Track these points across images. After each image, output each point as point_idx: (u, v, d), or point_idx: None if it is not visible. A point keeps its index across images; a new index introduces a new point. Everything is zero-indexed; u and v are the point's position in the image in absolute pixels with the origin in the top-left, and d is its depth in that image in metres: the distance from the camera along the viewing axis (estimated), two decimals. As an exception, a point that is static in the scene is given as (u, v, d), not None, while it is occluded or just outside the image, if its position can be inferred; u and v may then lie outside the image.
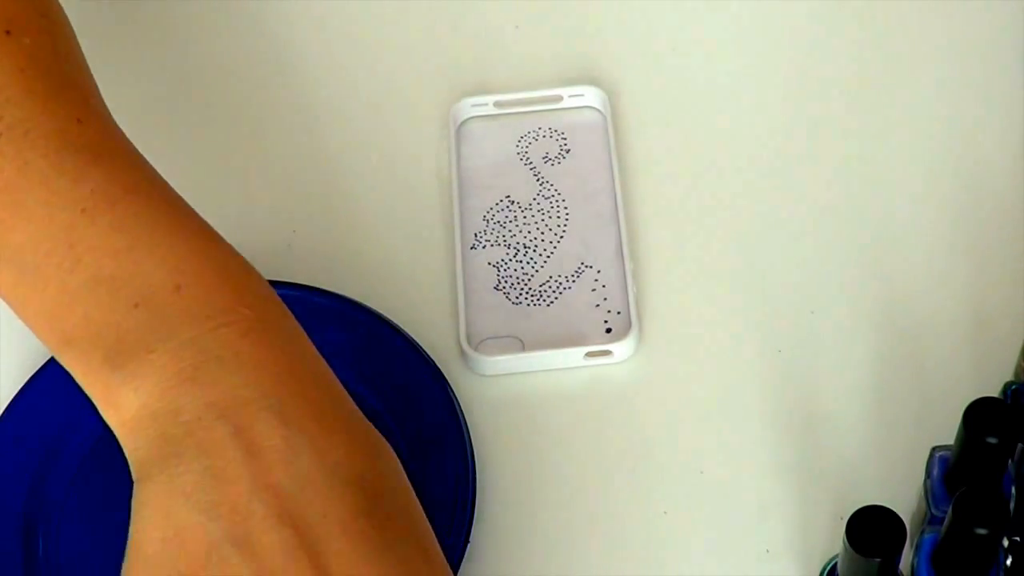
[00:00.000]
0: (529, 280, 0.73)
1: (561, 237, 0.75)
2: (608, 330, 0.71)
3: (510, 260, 0.74)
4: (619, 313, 0.72)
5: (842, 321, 0.72)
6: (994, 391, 0.62)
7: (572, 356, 0.71)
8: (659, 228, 0.75)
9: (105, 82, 0.81)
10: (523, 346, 0.71)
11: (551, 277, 0.73)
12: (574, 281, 0.73)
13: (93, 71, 0.82)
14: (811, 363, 0.71)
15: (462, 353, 0.71)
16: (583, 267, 0.74)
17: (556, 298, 0.73)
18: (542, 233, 0.75)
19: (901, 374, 0.70)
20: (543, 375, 0.71)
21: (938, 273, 0.73)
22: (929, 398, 0.69)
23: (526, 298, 0.73)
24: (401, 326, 0.71)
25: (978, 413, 0.55)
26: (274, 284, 0.64)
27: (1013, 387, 0.62)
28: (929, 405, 0.68)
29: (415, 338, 0.70)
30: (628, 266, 0.73)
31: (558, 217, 0.75)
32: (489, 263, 0.74)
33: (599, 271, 0.73)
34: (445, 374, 0.69)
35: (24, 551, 0.66)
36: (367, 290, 0.73)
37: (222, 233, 0.58)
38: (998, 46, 0.79)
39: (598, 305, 0.72)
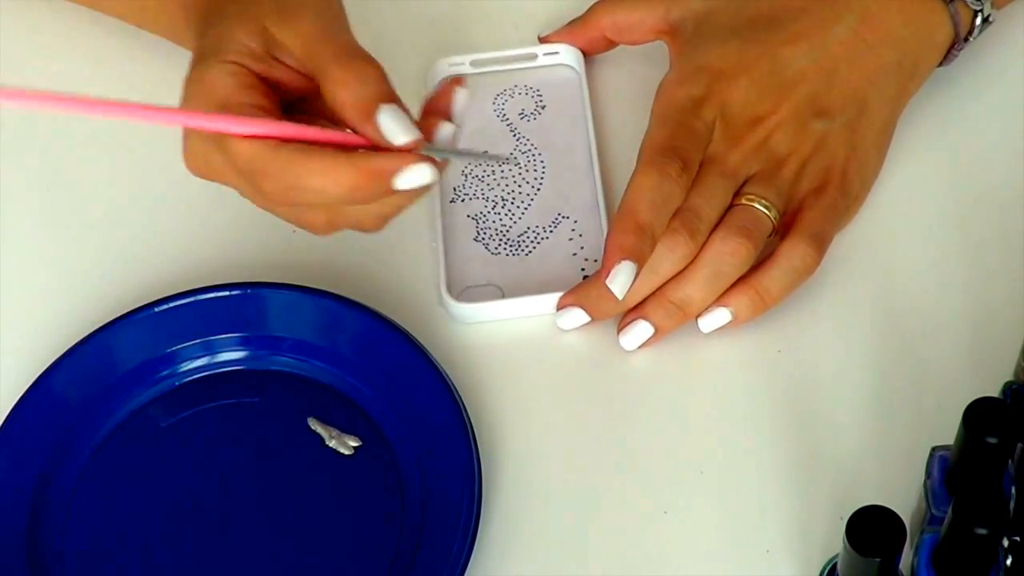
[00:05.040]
0: (508, 231, 0.75)
1: (538, 190, 0.76)
2: (585, 276, 0.73)
3: (489, 212, 0.76)
4: (596, 260, 0.73)
5: (842, 321, 0.72)
6: (994, 391, 0.62)
7: (550, 302, 0.72)
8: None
9: (103, 82, 0.81)
10: (503, 294, 0.73)
11: (529, 228, 0.75)
12: (551, 231, 0.75)
13: (90, 72, 0.82)
14: (811, 363, 0.71)
15: (443, 302, 0.72)
16: (560, 218, 0.75)
17: (534, 248, 0.74)
18: (519, 186, 0.76)
19: (901, 374, 0.70)
20: (523, 321, 0.72)
21: (938, 273, 0.73)
22: (929, 398, 0.69)
23: (505, 248, 0.74)
24: (400, 323, 0.71)
25: (978, 413, 0.55)
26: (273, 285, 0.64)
27: (1013, 387, 0.62)
28: (929, 405, 0.68)
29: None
30: (604, 216, 0.74)
31: (535, 171, 0.77)
32: (468, 216, 0.75)
33: (576, 221, 0.75)
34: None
35: (30, 552, 0.66)
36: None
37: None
38: (998, 45, 0.78)
39: (575, 254, 0.74)
